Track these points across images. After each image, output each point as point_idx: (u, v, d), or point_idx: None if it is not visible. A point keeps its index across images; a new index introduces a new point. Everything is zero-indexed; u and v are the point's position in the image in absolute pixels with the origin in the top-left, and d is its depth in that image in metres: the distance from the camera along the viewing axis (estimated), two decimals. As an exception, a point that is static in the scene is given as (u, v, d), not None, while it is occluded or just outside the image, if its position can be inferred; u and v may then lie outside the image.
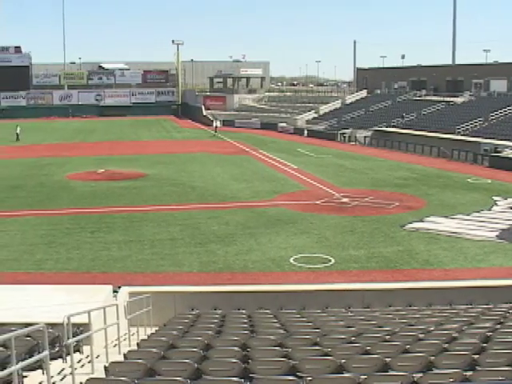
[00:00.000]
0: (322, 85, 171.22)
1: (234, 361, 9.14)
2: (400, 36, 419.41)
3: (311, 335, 11.50)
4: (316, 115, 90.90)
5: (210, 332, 12.47)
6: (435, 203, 35.72)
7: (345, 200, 36.65)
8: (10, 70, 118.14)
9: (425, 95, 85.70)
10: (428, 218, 31.81)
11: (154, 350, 10.37)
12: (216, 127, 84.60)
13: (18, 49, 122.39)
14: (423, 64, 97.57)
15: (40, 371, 11.03)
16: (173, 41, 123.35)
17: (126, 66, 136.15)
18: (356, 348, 10.11)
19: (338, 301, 18.39)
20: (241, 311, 16.68)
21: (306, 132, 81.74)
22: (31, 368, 10.66)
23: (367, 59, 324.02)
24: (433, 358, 9.14)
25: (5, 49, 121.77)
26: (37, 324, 10.65)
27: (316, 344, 10.67)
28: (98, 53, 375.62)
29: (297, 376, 8.50)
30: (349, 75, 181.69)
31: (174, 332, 12.78)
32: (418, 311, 16.46)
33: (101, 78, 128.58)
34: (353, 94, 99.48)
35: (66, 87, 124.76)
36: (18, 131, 75.14)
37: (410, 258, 25.15)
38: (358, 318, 15.10)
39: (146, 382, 8.30)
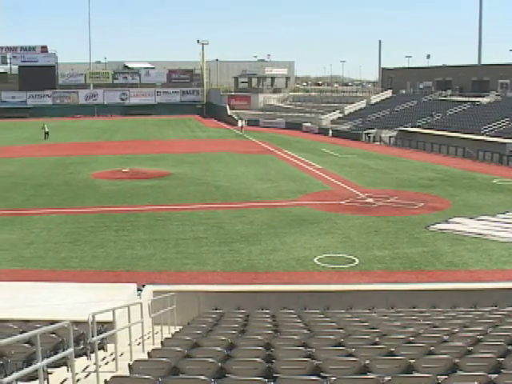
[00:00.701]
0: (346, 85, 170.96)
1: (258, 360, 9.14)
2: (425, 36, 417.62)
3: (335, 335, 11.47)
4: (341, 115, 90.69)
5: (233, 331, 12.48)
6: (460, 204, 35.49)
7: (369, 200, 36.52)
8: (37, 69, 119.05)
9: (450, 95, 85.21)
10: (453, 219, 31.60)
11: (177, 348, 10.40)
12: (242, 126, 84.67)
13: (44, 48, 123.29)
14: (449, 64, 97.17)
15: (65, 368, 11.11)
16: (198, 40, 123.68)
17: (151, 66, 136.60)
18: (380, 349, 10.07)
19: (362, 301, 18.35)
20: (264, 311, 16.69)
21: (330, 132, 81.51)
22: (56, 365, 10.74)
23: (392, 59, 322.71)
24: (457, 360, 9.09)
25: (31, 48, 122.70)
26: (62, 321, 10.73)
27: (340, 344, 10.65)
28: (124, 52, 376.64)
29: (321, 376, 8.48)
30: (374, 75, 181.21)
31: (198, 331, 12.81)
32: (442, 313, 16.38)
33: (126, 78, 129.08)
34: (378, 94, 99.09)
35: (91, 86, 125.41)
36: (45, 130, 75.59)
37: (434, 259, 24.99)
38: (381, 318, 15.05)
39: (169, 380, 8.32)
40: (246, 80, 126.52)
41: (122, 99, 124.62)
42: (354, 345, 10.39)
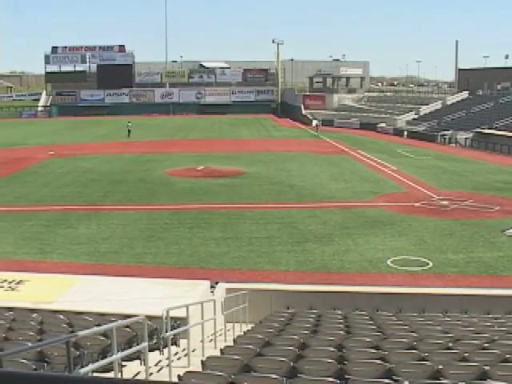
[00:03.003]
0: (422, 85, 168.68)
1: (330, 361, 9.13)
2: (504, 35, 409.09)
3: (408, 339, 11.37)
4: (416, 116, 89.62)
5: (305, 331, 12.49)
6: (538, 208, 34.71)
7: (444, 203, 36.01)
8: (114, 68, 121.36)
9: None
10: (530, 224, 30.93)
11: (250, 346, 10.46)
12: (317, 126, 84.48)
13: (121, 48, 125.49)
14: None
15: (138, 361, 11.30)
16: (273, 40, 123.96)
17: (227, 65, 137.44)
18: (453, 354, 9.94)
19: (435, 305, 18.12)
20: (337, 311, 16.63)
21: (405, 133, 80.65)
22: (130, 358, 10.94)
23: (469, 59, 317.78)
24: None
25: (109, 48, 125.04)
26: (136, 316, 10.91)
27: (412, 348, 10.54)
28: (199, 52, 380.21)
29: (393, 379, 8.42)
30: (450, 76, 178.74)
31: (270, 330, 12.85)
32: (518, 319, 16.06)
33: (201, 77, 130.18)
34: (454, 94, 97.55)
35: (167, 85, 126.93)
36: (129, 128, 76.83)
37: (510, 264, 24.47)
38: (455, 323, 14.84)
39: (242, 377, 8.37)
40: (320, 80, 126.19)
41: (198, 98, 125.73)
42: (427, 349, 10.27)
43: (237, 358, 9.42)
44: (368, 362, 9.32)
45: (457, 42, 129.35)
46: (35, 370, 9.04)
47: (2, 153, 61.37)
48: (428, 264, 24.37)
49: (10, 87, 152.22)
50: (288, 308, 17.86)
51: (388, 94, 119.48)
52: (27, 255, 25.87)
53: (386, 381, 8.15)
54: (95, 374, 8.73)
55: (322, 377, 8.35)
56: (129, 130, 76.50)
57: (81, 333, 8.65)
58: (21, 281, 18.67)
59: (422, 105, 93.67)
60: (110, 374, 9.29)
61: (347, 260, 24.94)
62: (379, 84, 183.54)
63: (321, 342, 11.04)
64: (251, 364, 9.12)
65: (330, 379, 8.04)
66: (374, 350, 10.18)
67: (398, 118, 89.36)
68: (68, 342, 7.57)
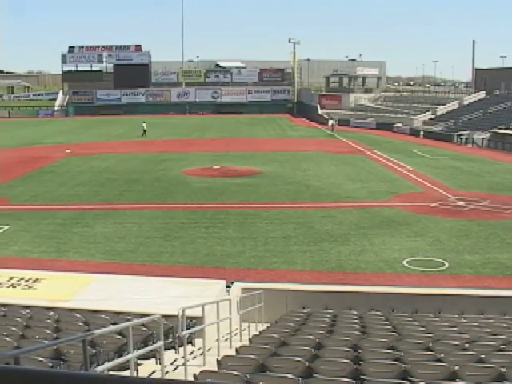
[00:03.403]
0: (439, 85, 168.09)
1: (345, 361, 9.12)
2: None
3: (423, 340, 11.33)
4: (432, 116, 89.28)
5: (321, 331, 12.48)
6: (556, 209, 34.50)
7: (460, 203, 35.86)
8: (131, 67, 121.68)
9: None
10: (548, 225, 30.76)
11: (265, 346, 10.46)
12: (332, 126, 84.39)
13: (138, 47, 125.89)
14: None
15: (153, 360, 11.34)
16: (289, 40, 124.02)
17: (243, 65, 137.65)
18: (470, 355, 9.90)
19: (451, 306, 18.05)
20: (352, 311, 16.61)
21: (422, 133, 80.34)
22: (145, 357, 10.97)
23: (486, 59, 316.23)
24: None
25: (126, 47, 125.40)
26: (152, 315, 10.95)
27: (428, 349, 10.51)
28: (216, 51, 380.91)
29: (408, 380, 8.41)
30: (467, 75, 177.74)
31: (286, 329, 12.85)
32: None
33: (218, 76, 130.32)
34: (471, 94, 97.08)
35: (183, 85, 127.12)
36: (145, 127, 77.00)
37: (527, 265, 24.39)
38: (471, 324, 14.78)
39: (257, 377, 8.38)
40: (337, 80, 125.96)
41: (214, 97, 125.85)
42: (443, 350, 10.23)
43: (252, 357, 9.43)
44: (384, 362, 9.31)
45: (474, 41, 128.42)
46: (51, 367, 9.09)
47: (20, 152, 61.71)
48: (444, 265, 24.30)
49: (28, 87, 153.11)
50: (304, 308, 17.85)
51: (404, 93, 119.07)
52: (44, 254, 26.02)
53: (402, 382, 8.14)
54: (111, 373, 8.76)
55: (337, 377, 8.35)
56: (144, 130, 76.62)
57: (97, 331, 8.67)
58: (37, 279, 18.78)
59: (439, 105, 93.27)
60: (126, 373, 9.32)
61: (363, 260, 24.91)
62: (395, 84, 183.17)
63: (336, 342, 11.03)
64: (267, 364, 9.12)
65: (346, 379, 8.03)
66: (389, 351, 10.16)
67: (414, 118, 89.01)
68: (85, 341, 7.61)
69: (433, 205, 35.47)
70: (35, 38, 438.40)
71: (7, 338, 10.52)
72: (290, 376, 8.13)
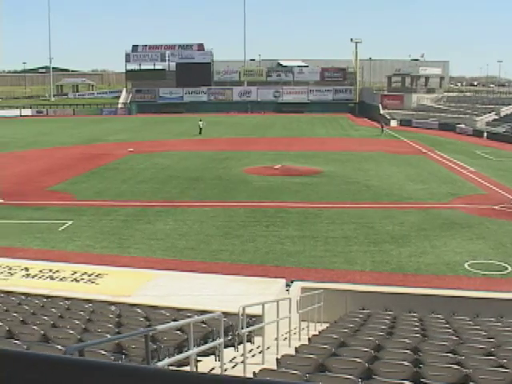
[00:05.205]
0: (503, 85, 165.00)
1: (406, 364, 9.04)
2: None
3: (485, 344, 11.15)
4: (496, 117, 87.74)
5: (381, 333, 12.39)
6: None
7: (525, 206, 35.23)
8: (193, 66, 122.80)
9: None
10: None
11: (325, 346, 10.43)
12: (382, 126, 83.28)
13: (200, 46, 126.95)
14: None
15: (212, 357, 11.40)
16: (351, 39, 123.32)
17: (304, 64, 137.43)
18: (533, 361, 9.70)
19: (514, 311, 17.74)
20: (412, 314, 16.45)
21: (485, 134, 79.05)
22: (205, 353, 11.04)
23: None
24: None
25: (188, 46, 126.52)
26: (212, 312, 11.02)
27: (490, 354, 10.33)
28: (277, 50, 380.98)
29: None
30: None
31: (345, 330, 12.79)
32: None
33: (279, 75, 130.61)
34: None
35: (245, 83, 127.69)
36: (201, 125, 77.73)
37: None
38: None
39: (317, 377, 8.36)
40: (399, 79, 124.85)
41: (275, 96, 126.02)
42: (506, 356, 10.03)
43: (312, 357, 9.41)
44: (444, 366, 9.18)
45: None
46: (114, 361, 9.21)
47: (84, 149, 62.79)
48: (507, 269, 23.85)
49: (92, 85, 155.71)
50: (363, 309, 17.76)
51: (467, 94, 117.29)
52: (106, 249, 26.41)
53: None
54: (170, 368, 8.84)
55: (397, 379, 8.28)
56: (200, 128, 77.31)
57: (159, 327, 8.77)
58: (99, 274, 19.09)
59: (503, 105, 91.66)
60: (186, 369, 9.39)
61: (424, 262, 24.62)
62: (459, 84, 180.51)
63: (396, 344, 10.93)
64: (326, 364, 9.09)
65: (406, 382, 7.97)
66: (450, 355, 10.02)
67: (477, 118, 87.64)
68: (147, 336, 7.70)
69: (496, 207, 34.87)
70: (100, 37, 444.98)
71: (71, 331, 10.71)
72: (349, 377, 8.09)
